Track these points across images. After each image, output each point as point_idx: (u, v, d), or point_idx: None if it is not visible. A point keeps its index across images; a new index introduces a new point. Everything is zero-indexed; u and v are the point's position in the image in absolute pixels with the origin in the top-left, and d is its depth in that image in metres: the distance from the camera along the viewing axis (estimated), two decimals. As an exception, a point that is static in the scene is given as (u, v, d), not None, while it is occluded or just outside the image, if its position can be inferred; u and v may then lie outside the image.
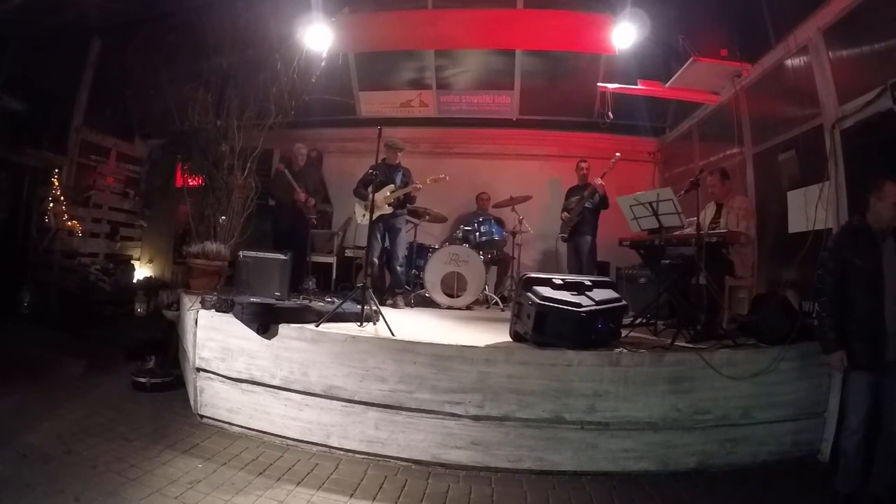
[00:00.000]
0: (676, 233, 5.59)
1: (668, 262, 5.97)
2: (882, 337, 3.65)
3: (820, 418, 4.67)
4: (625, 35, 6.68)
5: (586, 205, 7.80)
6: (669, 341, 4.79)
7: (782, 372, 4.50)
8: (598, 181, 7.69)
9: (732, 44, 6.71)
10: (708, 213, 6.19)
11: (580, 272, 7.44)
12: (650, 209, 5.47)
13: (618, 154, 7.69)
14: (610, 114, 8.33)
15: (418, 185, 7.53)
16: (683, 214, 5.43)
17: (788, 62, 6.04)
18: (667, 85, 7.23)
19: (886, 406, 3.70)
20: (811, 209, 5.15)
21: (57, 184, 9.54)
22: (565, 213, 8.14)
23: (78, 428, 4.60)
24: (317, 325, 4.74)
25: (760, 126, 6.72)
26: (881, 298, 3.66)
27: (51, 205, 9.47)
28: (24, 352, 6.89)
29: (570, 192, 8.33)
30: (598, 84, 8.57)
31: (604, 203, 7.75)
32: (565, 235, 8.16)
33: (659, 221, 5.48)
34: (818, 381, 4.65)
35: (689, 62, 6.47)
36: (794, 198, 5.76)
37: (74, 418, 4.82)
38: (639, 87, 7.69)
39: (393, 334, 4.64)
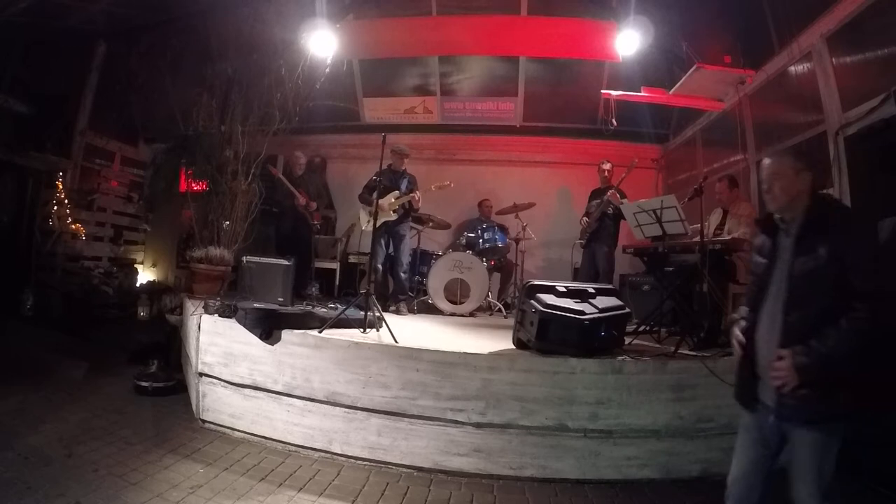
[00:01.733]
0: (680, 240, 5.58)
1: (671, 269, 5.97)
2: (748, 365, 2.77)
3: (823, 426, 4.64)
4: (628, 42, 6.67)
5: (607, 211, 7.49)
6: (673, 349, 4.79)
7: (785, 380, 4.49)
8: (610, 192, 7.39)
9: (736, 51, 6.73)
10: (714, 219, 6.19)
11: (593, 282, 6.99)
12: (654, 216, 5.46)
13: (635, 160, 7.55)
14: (614, 121, 8.33)
15: (417, 196, 7.52)
16: (687, 222, 5.42)
17: (792, 69, 6.05)
18: (670, 92, 7.24)
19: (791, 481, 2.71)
20: (815, 217, 5.14)
21: (61, 187, 9.57)
22: (585, 219, 7.86)
23: (79, 431, 4.61)
24: (320, 331, 4.74)
25: (764, 133, 6.72)
26: (757, 313, 2.78)
27: (55, 207, 9.49)
28: (27, 354, 6.89)
29: (592, 195, 8.05)
30: (602, 91, 8.58)
31: (620, 214, 7.25)
32: (583, 242, 7.91)
33: (662, 229, 5.47)
34: (822, 388, 4.63)
35: (692, 69, 6.48)
36: (798, 205, 5.74)
37: (76, 421, 4.83)
38: (642, 94, 7.70)
39: (396, 341, 4.64)
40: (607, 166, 7.85)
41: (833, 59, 5.30)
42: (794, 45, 5.85)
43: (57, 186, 9.53)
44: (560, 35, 8.09)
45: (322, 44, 7.29)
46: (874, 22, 4.78)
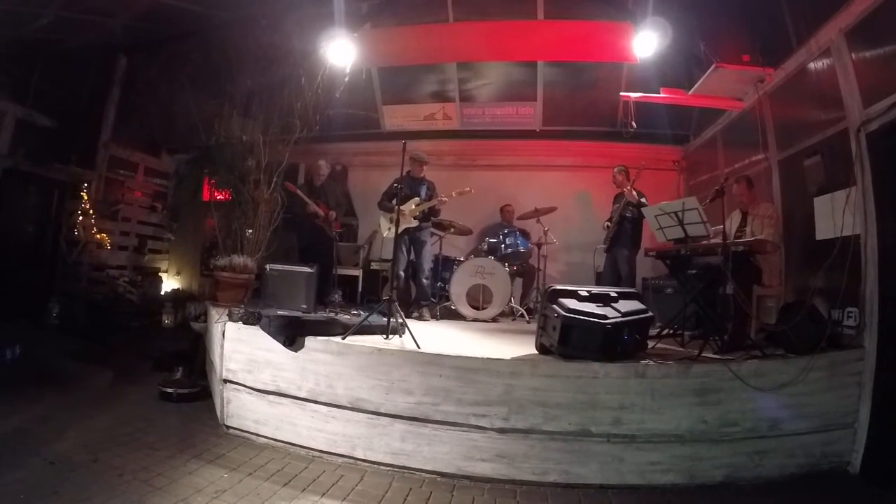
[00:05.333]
0: (703, 242, 5.54)
1: (694, 271, 5.92)
2: None
3: (850, 429, 4.57)
4: (646, 43, 6.64)
5: (626, 214, 7.49)
6: (696, 352, 4.74)
7: (811, 382, 4.43)
8: (626, 189, 7.39)
9: (754, 49, 6.65)
10: (734, 221, 6.13)
11: (616, 286, 6.86)
12: (675, 219, 5.42)
13: (643, 163, 7.51)
14: (633, 123, 8.29)
15: (444, 199, 7.55)
16: (709, 223, 5.38)
17: (811, 65, 5.96)
18: (689, 92, 7.18)
19: None
20: (838, 215, 5.06)
21: (86, 198, 9.74)
22: (607, 223, 7.84)
23: (105, 437, 4.68)
24: (343, 338, 4.76)
25: (785, 131, 6.63)
26: None
27: (80, 218, 9.67)
28: (53, 361, 7.02)
29: (616, 200, 7.98)
30: (621, 93, 8.55)
31: (640, 216, 7.24)
32: (605, 246, 7.86)
33: (685, 231, 5.42)
34: (848, 391, 4.57)
35: (711, 69, 6.44)
36: (821, 204, 5.66)
37: (102, 427, 4.90)
38: (661, 95, 7.65)
39: (419, 347, 4.65)
40: (617, 170, 7.81)
41: (852, 55, 5.20)
42: (813, 42, 5.76)
43: (82, 197, 9.72)
44: (577, 38, 8.09)
45: (340, 53, 7.34)
46: (893, 15, 4.70)
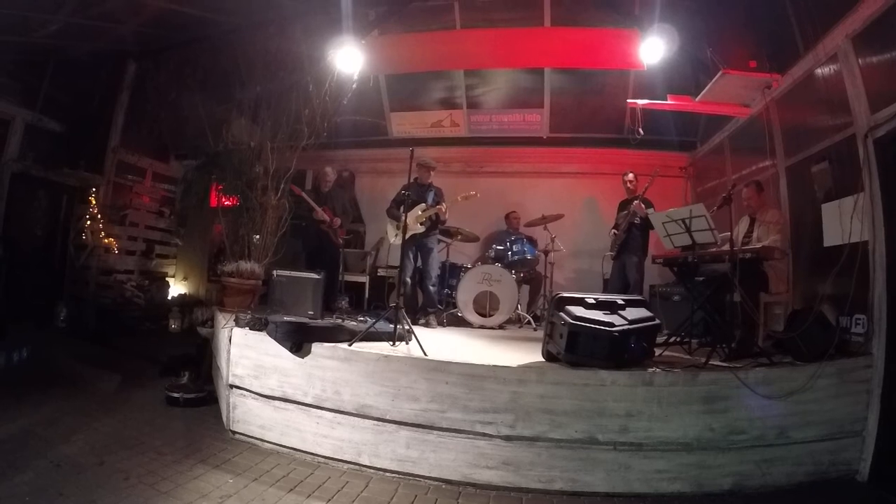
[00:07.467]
0: (710, 249, 5.52)
1: (702, 278, 5.90)
2: None
3: (858, 437, 4.54)
4: (653, 50, 6.64)
5: (634, 221, 7.46)
6: (704, 360, 4.73)
7: (819, 390, 4.41)
8: (636, 203, 7.38)
9: (761, 55, 6.64)
10: (741, 227, 6.12)
11: (623, 293, 6.88)
12: (683, 226, 5.41)
13: (657, 170, 7.49)
14: (640, 129, 8.28)
15: (443, 207, 7.53)
16: (717, 230, 5.37)
17: (818, 71, 5.93)
18: (697, 99, 7.17)
19: None
20: (846, 221, 5.04)
21: (94, 202, 9.80)
22: (614, 231, 7.86)
23: (111, 440, 4.69)
24: (349, 345, 4.77)
25: (793, 137, 6.60)
26: None
27: (88, 223, 9.73)
28: (60, 365, 7.06)
29: (621, 207, 8.03)
30: (628, 100, 8.54)
31: (648, 223, 7.20)
32: (613, 253, 7.84)
33: (692, 238, 5.41)
34: (856, 398, 4.54)
35: (718, 75, 6.42)
36: (829, 210, 5.63)
37: (108, 431, 4.92)
38: (668, 101, 7.64)
39: (425, 354, 4.64)
40: (630, 177, 7.83)
41: (859, 60, 5.17)
42: (820, 47, 5.74)
43: (90, 202, 9.79)
44: (584, 45, 8.08)
45: (348, 60, 7.36)
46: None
